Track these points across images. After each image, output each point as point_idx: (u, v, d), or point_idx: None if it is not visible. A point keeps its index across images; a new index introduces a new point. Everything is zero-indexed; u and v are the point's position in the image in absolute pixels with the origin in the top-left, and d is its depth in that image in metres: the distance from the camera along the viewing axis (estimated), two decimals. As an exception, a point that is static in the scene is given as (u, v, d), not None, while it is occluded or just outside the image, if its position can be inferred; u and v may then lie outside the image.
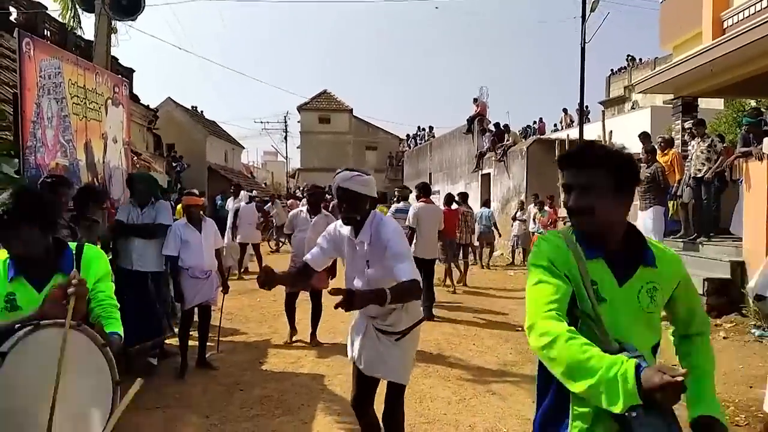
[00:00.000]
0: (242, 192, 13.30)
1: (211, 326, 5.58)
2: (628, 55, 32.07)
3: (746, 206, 7.38)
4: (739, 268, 7.26)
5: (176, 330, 5.45)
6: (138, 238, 5.03)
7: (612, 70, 32.80)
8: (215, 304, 5.54)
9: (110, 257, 5.13)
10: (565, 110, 26.40)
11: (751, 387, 4.94)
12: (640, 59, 30.93)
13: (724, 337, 6.30)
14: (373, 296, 2.48)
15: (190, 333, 5.38)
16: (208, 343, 5.54)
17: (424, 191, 7.93)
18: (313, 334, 6.40)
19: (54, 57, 4.80)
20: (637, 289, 1.63)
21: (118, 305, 2.28)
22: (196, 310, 5.32)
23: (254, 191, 17.47)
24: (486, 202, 14.96)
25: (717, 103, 15.44)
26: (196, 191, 5.76)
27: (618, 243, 1.66)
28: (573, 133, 16.45)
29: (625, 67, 32.40)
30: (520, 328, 7.28)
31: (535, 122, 27.29)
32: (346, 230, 2.97)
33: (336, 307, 2.33)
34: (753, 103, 13.53)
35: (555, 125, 26.39)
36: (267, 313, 8.09)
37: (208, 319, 5.46)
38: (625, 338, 1.58)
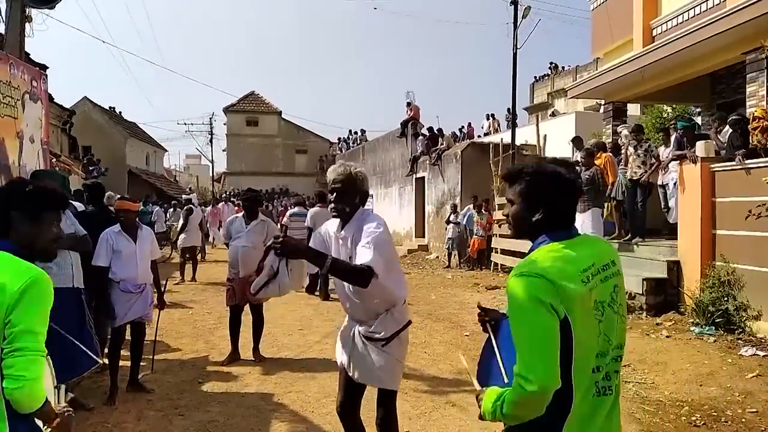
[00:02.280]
0: (193, 195, 13.31)
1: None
2: (551, 63, 33.26)
3: (681, 208, 7.63)
4: (675, 267, 7.49)
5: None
6: (73, 252, 4.42)
7: (535, 77, 33.87)
8: (149, 321, 5.06)
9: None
10: (492, 115, 26.96)
11: (701, 385, 5.02)
12: (563, 67, 32.12)
13: (666, 336, 6.45)
14: (312, 253, 2.56)
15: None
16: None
17: (320, 198, 10.02)
18: (256, 349, 5.98)
19: (-42, 44, 4.21)
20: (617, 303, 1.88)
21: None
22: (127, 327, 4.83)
23: (194, 195, 16.98)
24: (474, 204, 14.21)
25: (634, 109, 16.18)
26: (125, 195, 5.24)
27: None
28: (506, 137, 16.72)
29: (547, 75, 33.58)
30: (468, 334, 7.18)
31: (463, 127, 27.73)
32: (332, 227, 2.93)
33: (267, 248, 2.53)
34: (669, 109, 14.25)
35: (482, 128, 26.79)
36: (202, 327, 7.57)
37: (142, 337, 4.96)
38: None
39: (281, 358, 6.02)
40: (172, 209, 17.70)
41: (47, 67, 16.68)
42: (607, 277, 1.74)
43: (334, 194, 2.79)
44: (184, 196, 16.66)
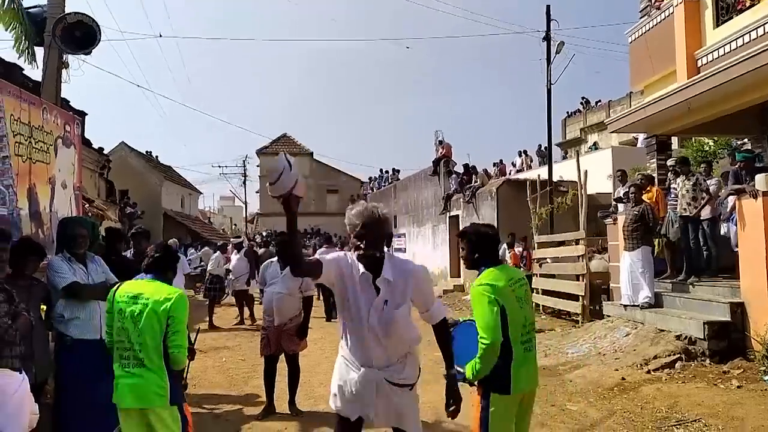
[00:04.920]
0: (243, 238, 13.99)
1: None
2: (582, 98, 32.93)
3: (741, 245, 7.12)
4: (739, 310, 6.92)
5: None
6: (102, 302, 4.18)
7: (568, 112, 33.54)
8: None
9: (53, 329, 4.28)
10: (525, 152, 26.56)
11: (788, 447, 4.48)
12: (595, 102, 31.76)
13: (737, 386, 5.88)
14: (454, 382, 2.87)
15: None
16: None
17: (327, 241, 12.58)
18: (292, 402, 5.65)
19: (-8, 89, 4.12)
20: None
21: None
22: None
23: (244, 238, 16.82)
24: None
25: (673, 143, 15.63)
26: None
27: None
28: (539, 174, 16.34)
29: (579, 110, 33.23)
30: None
31: (495, 164, 27.38)
32: (355, 269, 2.72)
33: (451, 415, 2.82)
34: (711, 142, 13.73)
35: (513, 165, 26.34)
36: (235, 376, 7.27)
37: (173, 391, 4.68)
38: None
39: (318, 411, 5.66)
40: (214, 252, 14.87)
41: (85, 114, 17.12)
42: (521, 285, 3.04)
43: (364, 240, 2.62)
44: (233, 240, 16.46)
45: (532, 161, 25.60)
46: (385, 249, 2.75)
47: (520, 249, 13.43)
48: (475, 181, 17.26)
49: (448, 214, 18.75)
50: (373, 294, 2.68)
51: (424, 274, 2.84)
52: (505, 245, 13.96)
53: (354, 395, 2.76)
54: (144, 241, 6.14)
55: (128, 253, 6.10)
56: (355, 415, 2.78)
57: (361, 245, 2.61)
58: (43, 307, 4.22)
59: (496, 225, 15.56)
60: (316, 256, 2.79)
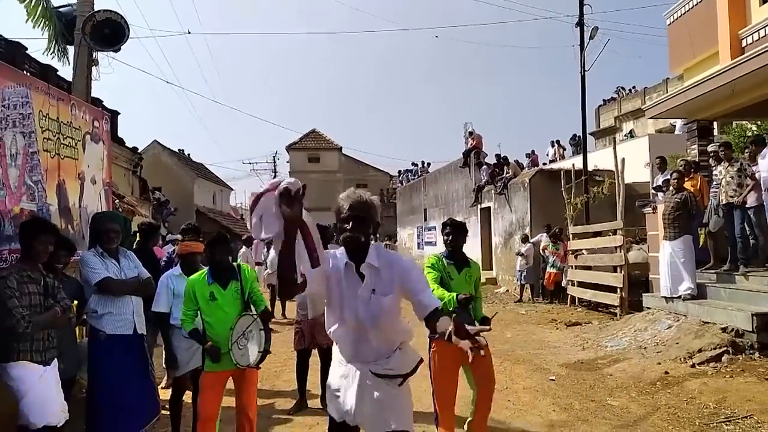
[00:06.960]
0: None
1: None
2: (618, 87, 32.16)
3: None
4: (790, 301, 6.59)
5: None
6: (135, 297, 4.15)
7: (604, 100, 32.79)
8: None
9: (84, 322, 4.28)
10: (557, 142, 26.03)
11: None
12: (630, 89, 30.98)
13: (792, 382, 5.57)
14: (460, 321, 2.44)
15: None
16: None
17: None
18: (324, 397, 5.56)
19: (21, 84, 4.11)
20: (465, 275, 4.26)
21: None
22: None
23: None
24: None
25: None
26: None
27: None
28: (572, 163, 15.94)
29: (614, 98, 32.44)
30: (553, 378, 6.52)
31: (528, 154, 26.89)
32: (342, 261, 2.63)
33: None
34: (754, 128, 13.15)
35: (546, 155, 25.84)
36: (266, 370, 7.20)
37: (204, 386, 4.64)
38: (455, 290, 4.00)
39: (351, 406, 5.57)
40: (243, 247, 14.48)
41: (118, 113, 17.39)
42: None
43: (351, 222, 2.55)
44: None
45: (564, 151, 25.09)
46: (372, 240, 2.65)
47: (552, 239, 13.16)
48: (507, 172, 16.95)
49: (479, 206, 18.50)
50: (358, 283, 2.57)
51: (410, 262, 2.72)
52: (543, 235, 13.69)
53: (337, 393, 2.64)
54: (192, 234, 6.12)
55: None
56: (338, 416, 2.63)
57: (347, 227, 2.55)
58: (75, 302, 4.22)
59: (528, 216, 15.34)
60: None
